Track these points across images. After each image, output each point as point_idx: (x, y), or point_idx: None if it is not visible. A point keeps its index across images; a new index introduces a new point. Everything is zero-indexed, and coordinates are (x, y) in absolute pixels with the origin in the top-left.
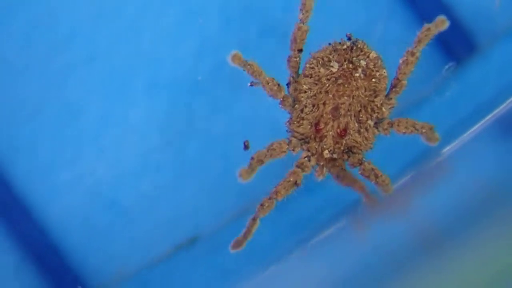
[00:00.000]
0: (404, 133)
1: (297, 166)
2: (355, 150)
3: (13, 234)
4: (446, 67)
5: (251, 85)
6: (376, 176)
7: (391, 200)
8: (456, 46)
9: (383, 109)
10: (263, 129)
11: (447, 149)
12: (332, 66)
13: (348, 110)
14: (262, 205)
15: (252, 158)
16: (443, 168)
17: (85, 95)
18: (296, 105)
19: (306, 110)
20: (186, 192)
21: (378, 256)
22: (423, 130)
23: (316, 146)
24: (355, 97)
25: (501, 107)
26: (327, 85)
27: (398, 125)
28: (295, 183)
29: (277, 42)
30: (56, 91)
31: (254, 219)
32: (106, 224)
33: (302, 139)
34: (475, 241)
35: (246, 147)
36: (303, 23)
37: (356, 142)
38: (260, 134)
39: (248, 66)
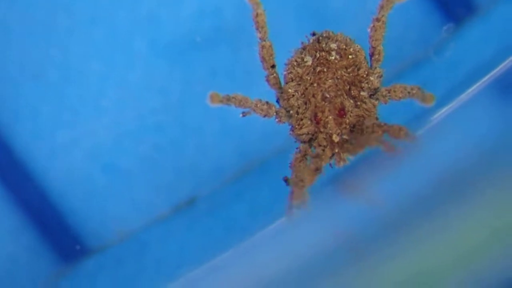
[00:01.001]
0: (400, 98)
1: (315, 157)
2: (361, 125)
3: (13, 196)
4: (445, 27)
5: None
6: (399, 130)
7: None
8: (455, 6)
9: (371, 78)
10: (262, 92)
11: (445, 109)
12: (306, 62)
13: (338, 91)
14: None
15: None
16: (441, 128)
17: (86, 58)
18: (291, 111)
19: (300, 110)
20: (185, 153)
21: (368, 221)
22: (414, 92)
23: (324, 136)
24: (339, 78)
25: (500, 67)
26: (309, 78)
27: (394, 91)
28: (317, 169)
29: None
30: (57, 53)
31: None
32: (105, 185)
33: (310, 139)
34: (471, 201)
35: (286, 182)
36: (264, 40)
37: (358, 116)
38: (260, 96)
39: (232, 100)
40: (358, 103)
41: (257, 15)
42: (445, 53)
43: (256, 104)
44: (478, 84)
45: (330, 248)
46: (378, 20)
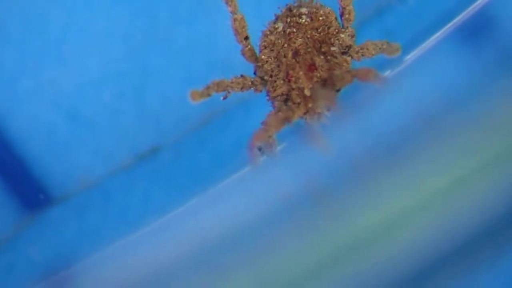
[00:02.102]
0: (373, 54)
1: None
2: (333, 79)
3: None
4: None
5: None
6: (368, 72)
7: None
8: None
9: (341, 35)
10: (223, 45)
11: (408, 57)
12: (277, 28)
13: (308, 48)
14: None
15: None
16: (404, 77)
17: (48, 5)
18: (265, 77)
19: (274, 73)
20: (148, 102)
21: (340, 163)
22: (384, 46)
23: (297, 92)
24: (309, 38)
25: (462, 15)
26: (281, 42)
27: (367, 49)
28: (286, 119)
29: None
30: (18, 2)
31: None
32: (68, 134)
33: (286, 100)
34: (432, 149)
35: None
36: (235, 13)
37: (330, 70)
38: (221, 49)
39: (211, 88)
40: (329, 57)
41: None
42: (408, 1)
43: (232, 82)
44: (441, 32)
45: (293, 194)
46: None
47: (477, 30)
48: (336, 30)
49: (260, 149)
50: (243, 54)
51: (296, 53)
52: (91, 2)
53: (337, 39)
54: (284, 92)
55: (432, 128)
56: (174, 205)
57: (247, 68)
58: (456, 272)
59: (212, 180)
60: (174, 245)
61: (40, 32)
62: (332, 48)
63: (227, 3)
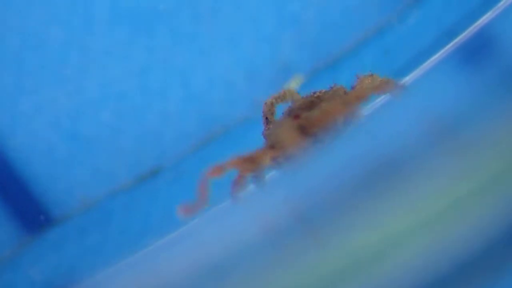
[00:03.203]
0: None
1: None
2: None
3: None
4: None
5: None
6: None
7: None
8: None
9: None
10: (224, 63)
11: (408, 78)
12: None
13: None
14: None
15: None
16: (404, 96)
17: (47, 24)
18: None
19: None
20: (148, 121)
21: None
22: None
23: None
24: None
25: (463, 35)
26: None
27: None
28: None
29: None
30: (18, 19)
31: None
32: (68, 154)
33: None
34: (429, 170)
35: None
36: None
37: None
38: (221, 66)
39: (229, 165)
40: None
41: None
42: (408, 20)
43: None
44: (441, 52)
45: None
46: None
47: (478, 50)
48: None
49: (248, 178)
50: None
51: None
52: (91, 21)
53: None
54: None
55: (431, 149)
56: (174, 226)
57: (246, 83)
58: None
59: (213, 200)
60: (174, 265)
61: (39, 50)
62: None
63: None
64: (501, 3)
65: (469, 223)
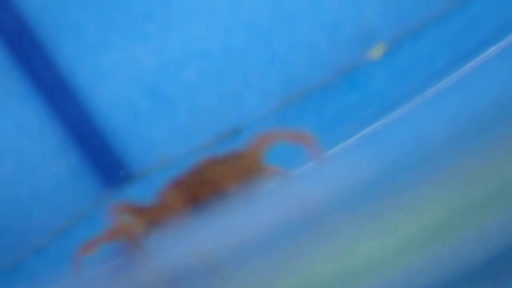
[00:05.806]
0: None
1: None
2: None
3: (58, 115)
4: None
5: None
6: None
7: None
8: None
9: None
10: (307, 26)
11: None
12: None
13: None
14: None
15: None
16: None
17: None
18: None
19: None
20: (229, 81)
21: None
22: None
23: None
24: None
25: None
26: None
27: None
28: None
29: None
30: None
31: None
32: (149, 111)
33: None
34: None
35: None
36: None
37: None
38: (305, 27)
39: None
40: None
41: None
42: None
43: None
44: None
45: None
46: None
47: None
48: None
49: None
50: None
51: None
52: None
53: None
54: None
55: (432, 160)
56: None
57: (329, 47)
58: None
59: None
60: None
61: (124, 6)
62: None
63: None
64: None
65: (470, 235)
